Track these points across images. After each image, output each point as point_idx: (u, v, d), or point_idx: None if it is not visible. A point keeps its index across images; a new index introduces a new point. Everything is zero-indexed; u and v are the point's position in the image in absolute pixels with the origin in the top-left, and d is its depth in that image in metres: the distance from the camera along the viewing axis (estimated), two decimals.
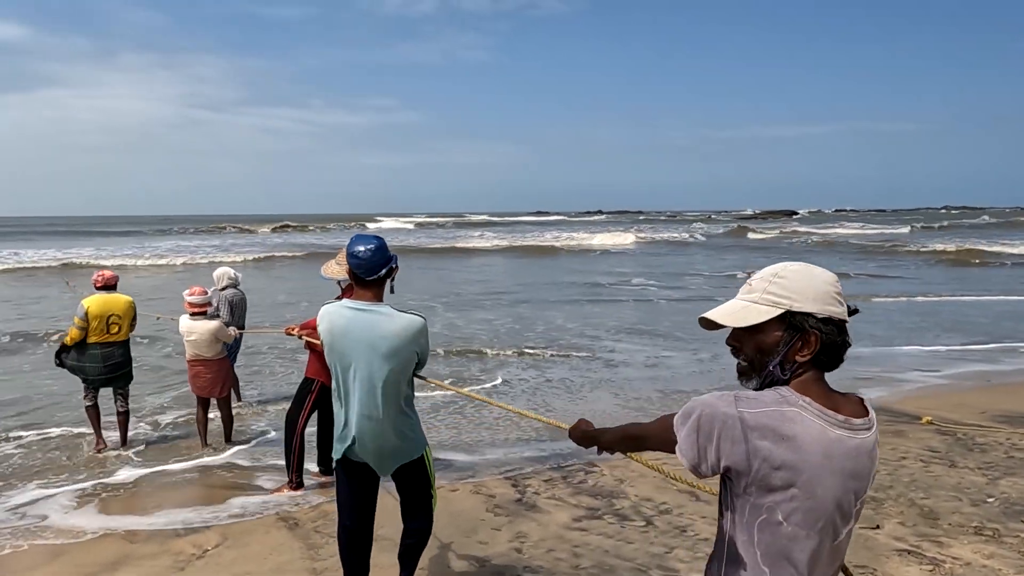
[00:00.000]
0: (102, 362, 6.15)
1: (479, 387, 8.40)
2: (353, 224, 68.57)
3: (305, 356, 6.14)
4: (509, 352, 10.39)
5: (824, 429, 1.48)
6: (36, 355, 10.31)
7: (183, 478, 5.74)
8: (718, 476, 1.59)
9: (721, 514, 1.62)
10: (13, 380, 8.92)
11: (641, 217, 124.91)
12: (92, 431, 6.33)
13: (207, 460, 6.08)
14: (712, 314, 1.60)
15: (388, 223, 70.10)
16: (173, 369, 9.26)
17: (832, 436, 1.48)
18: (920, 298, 16.43)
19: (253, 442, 6.56)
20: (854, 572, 2.05)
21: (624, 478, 5.46)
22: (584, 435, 2.12)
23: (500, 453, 6.21)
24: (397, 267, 3.12)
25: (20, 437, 6.67)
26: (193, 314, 6.09)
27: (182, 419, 7.21)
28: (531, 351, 10.50)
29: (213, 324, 6.10)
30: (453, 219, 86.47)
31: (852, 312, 1.56)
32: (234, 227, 62.21)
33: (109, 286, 6.28)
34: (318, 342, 4.98)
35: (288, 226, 62.75)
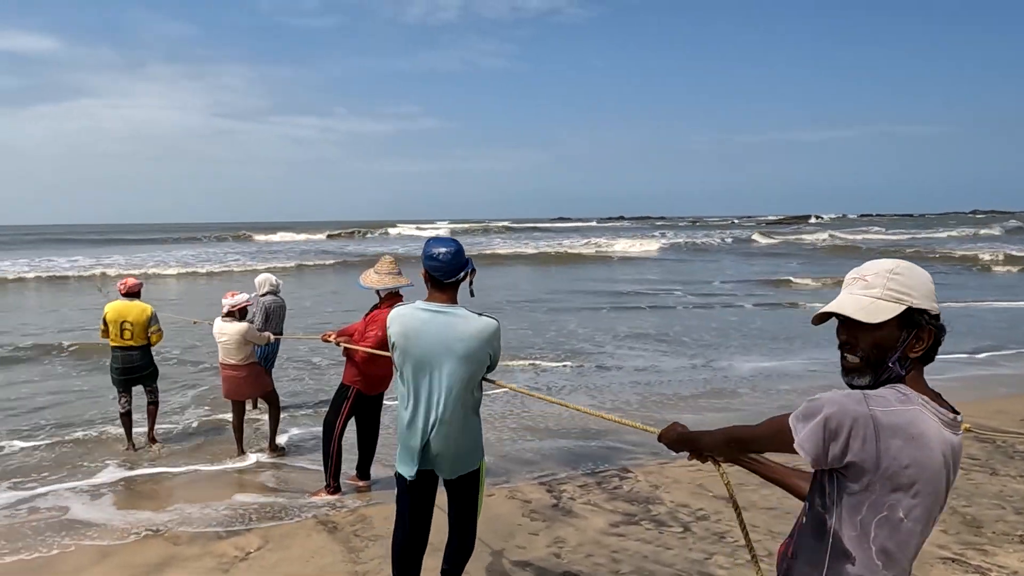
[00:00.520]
0: (121, 364, 6.50)
1: None
2: (374, 231, 68.91)
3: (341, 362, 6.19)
4: (505, 357, 10.41)
5: (939, 427, 1.52)
6: (61, 360, 10.52)
7: (219, 480, 5.83)
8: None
9: (825, 509, 1.61)
10: (44, 383, 9.12)
11: (663, 222, 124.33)
12: (124, 433, 6.62)
13: (241, 463, 6.17)
14: (842, 309, 1.60)
15: (407, 230, 70.26)
16: (212, 371, 9.42)
17: (945, 435, 1.52)
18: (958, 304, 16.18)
19: (287, 446, 6.64)
20: None
21: (659, 484, 5.45)
22: (680, 438, 2.08)
23: (530, 456, 6.24)
24: (475, 270, 3.13)
25: (56, 437, 6.83)
26: (225, 315, 6.16)
27: (220, 422, 7.33)
28: (527, 357, 10.51)
29: (241, 326, 6.12)
30: (476, 225, 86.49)
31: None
32: (252, 234, 62.64)
33: (131, 293, 6.58)
34: (357, 348, 5.03)
35: (343, 233, 63.09)
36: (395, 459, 3.21)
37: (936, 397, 1.57)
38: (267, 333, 6.54)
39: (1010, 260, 28.29)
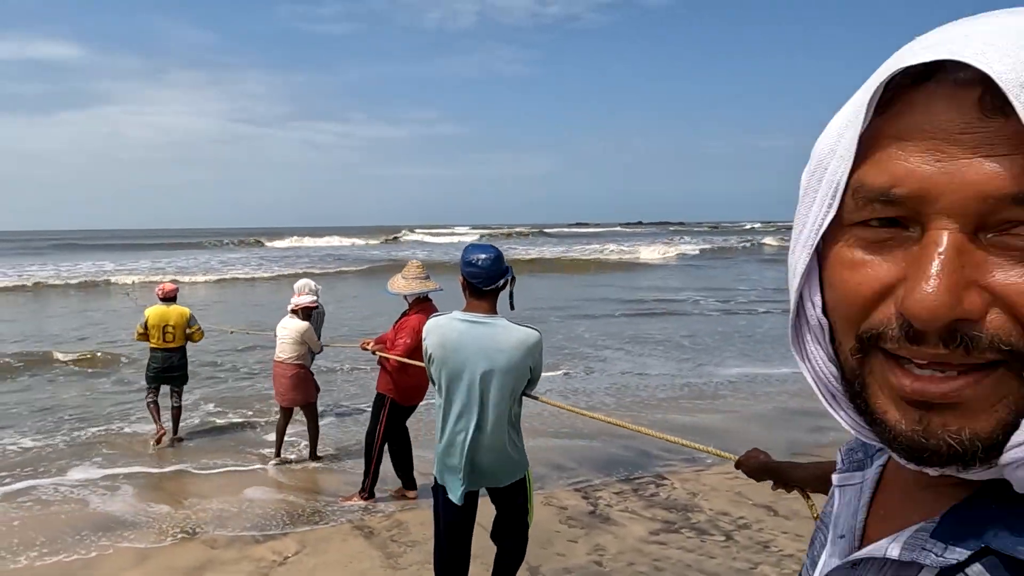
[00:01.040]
0: (160, 364, 6.84)
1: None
2: (389, 237, 69.11)
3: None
4: None
5: None
6: (101, 369, 10.63)
7: (251, 482, 5.82)
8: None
9: None
10: (73, 385, 9.21)
11: (681, 227, 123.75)
12: (153, 423, 6.88)
13: (274, 467, 6.16)
14: None
15: (420, 236, 70.30)
16: (242, 376, 9.47)
17: None
18: None
19: (321, 450, 6.62)
20: None
21: (697, 491, 5.37)
22: (763, 468, 1.86)
23: (562, 461, 6.17)
24: (515, 278, 3.00)
25: (81, 432, 6.88)
26: (291, 313, 6.21)
27: (249, 424, 7.34)
28: None
29: (301, 324, 6.11)
30: (494, 231, 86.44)
31: None
32: (264, 239, 62.83)
33: (168, 298, 6.93)
34: (389, 357, 4.97)
35: (387, 239, 63.35)
36: (433, 470, 3.08)
37: None
38: (321, 342, 6.53)
39: None
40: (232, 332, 9.01)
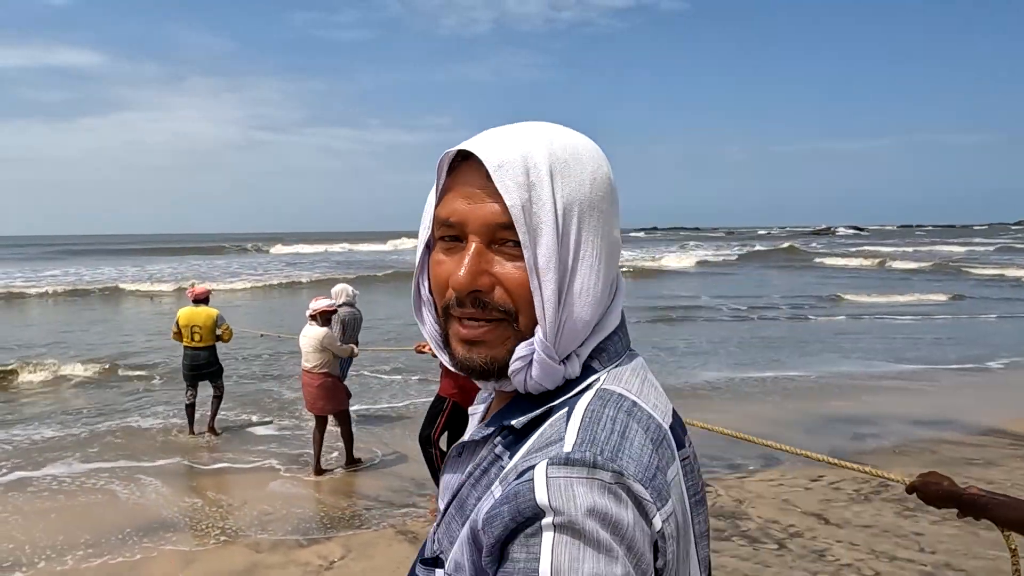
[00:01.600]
0: (190, 361, 7.18)
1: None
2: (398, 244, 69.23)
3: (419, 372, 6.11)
4: None
5: None
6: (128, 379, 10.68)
7: (290, 483, 5.80)
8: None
9: None
10: (105, 389, 9.25)
11: (697, 233, 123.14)
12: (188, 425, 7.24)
13: (309, 471, 6.12)
14: None
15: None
16: (275, 380, 9.47)
17: None
18: None
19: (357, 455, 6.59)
20: None
21: (742, 498, 5.27)
22: (947, 496, 1.60)
23: None
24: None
25: (119, 425, 6.90)
26: (310, 319, 6.08)
27: (283, 426, 7.33)
28: None
29: (319, 331, 5.95)
30: None
31: None
32: (267, 245, 62.94)
33: (199, 300, 7.25)
34: None
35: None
36: None
37: None
38: (350, 346, 6.36)
39: None
40: (262, 336, 9.01)
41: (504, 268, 0.71)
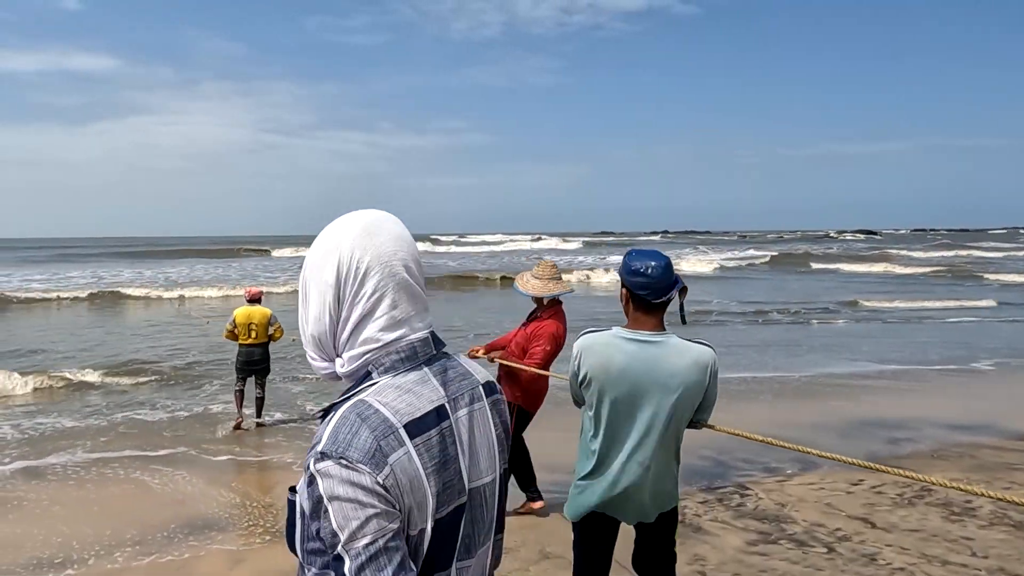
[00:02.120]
0: (245, 358, 7.62)
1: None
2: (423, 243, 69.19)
3: None
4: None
5: None
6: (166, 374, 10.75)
7: None
8: None
9: None
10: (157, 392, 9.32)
11: (710, 237, 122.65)
12: (236, 411, 7.65)
13: None
14: None
15: (448, 247, 70.23)
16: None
17: None
18: None
19: None
20: None
21: (784, 502, 5.25)
22: None
23: None
24: (686, 287, 2.58)
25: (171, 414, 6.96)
26: None
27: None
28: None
29: None
30: (530, 240, 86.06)
31: None
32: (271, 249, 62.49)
33: (254, 300, 7.67)
34: (518, 366, 4.59)
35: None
36: (575, 498, 2.73)
37: None
38: None
39: None
40: (294, 340, 9.06)
41: None
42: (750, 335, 14.10)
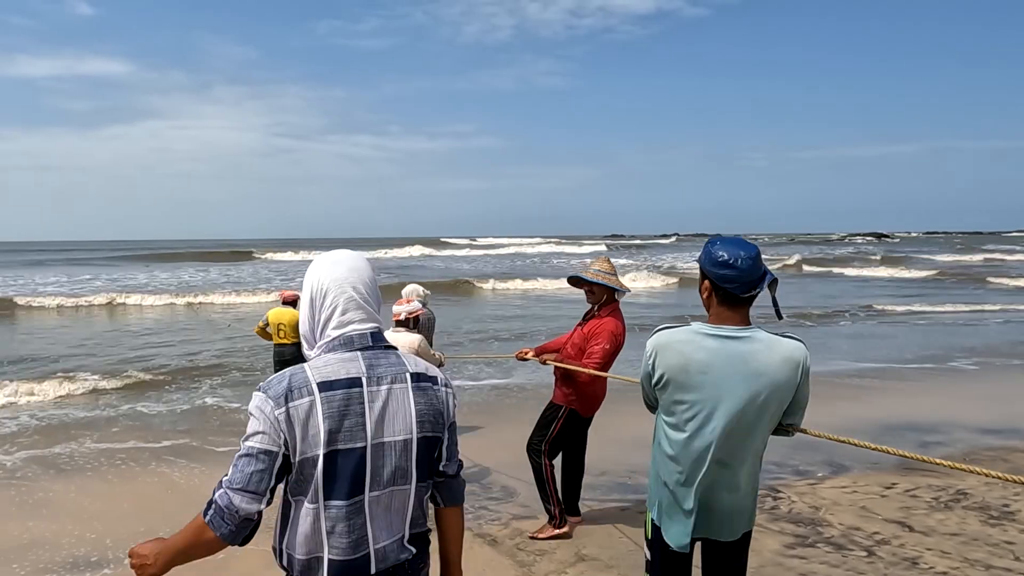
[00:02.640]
0: (277, 356, 8.02)
1: None
2: (431, 248, 69.19)
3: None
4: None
5: None
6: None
7: None
8: None
9: None
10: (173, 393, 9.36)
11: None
12: None
13: None
14: None
15: (457, 250, 70.15)
16: None
17: None
18: None
19: None
20: None
21: (818, 505, 5.20)
22: None
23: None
24: (776, 280, 2.34)
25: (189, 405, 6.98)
26: (396, 324, 5.47)
27: None
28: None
29: (415, 337, 5.30)
30: (539, 243, 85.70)
31: None
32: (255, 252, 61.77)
33: (288, 302, 8.14)
34: (574, 367, 4.36)
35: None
36: (653, 519, 2.47)
37: None
38: (439, 354, 5.72)
39: None
40: None
41: None
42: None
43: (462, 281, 28.86)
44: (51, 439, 7.28)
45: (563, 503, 4.75)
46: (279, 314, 7.96)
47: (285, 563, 1.68)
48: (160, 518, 5.11)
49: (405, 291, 6.67)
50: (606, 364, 4.35)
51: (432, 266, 41.79)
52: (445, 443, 1.81)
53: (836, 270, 38.61)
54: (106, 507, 5.42)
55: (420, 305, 5.63)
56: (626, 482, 5.87)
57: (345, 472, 1.60)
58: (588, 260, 4.71)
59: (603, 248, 76.68)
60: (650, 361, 2.37)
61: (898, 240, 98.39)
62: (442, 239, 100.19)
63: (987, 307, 19.51)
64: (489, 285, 27.75)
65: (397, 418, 1.67)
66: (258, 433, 1.58)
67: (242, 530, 1.62)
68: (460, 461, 1.92)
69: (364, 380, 1.65)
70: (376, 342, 1.71)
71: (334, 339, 1.68)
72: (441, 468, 1.83)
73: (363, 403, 1.63)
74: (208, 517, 1.62)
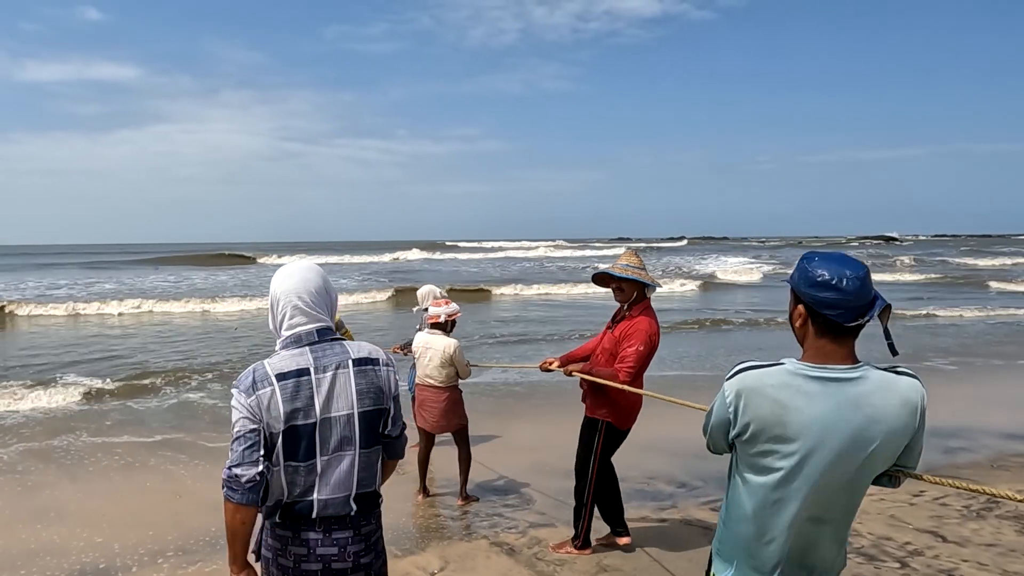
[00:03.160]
0: None
1: None
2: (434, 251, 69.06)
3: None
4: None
5: None
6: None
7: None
8: None
9: None
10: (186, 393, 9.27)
11: (727, 243, 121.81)
12: None
13: (422, 498, 5.62)
14: None
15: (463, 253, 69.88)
16: None
17: None
18: None
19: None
20: None
21: None
22: None
23: (684, 479, 5.88)
24: (889, 306, 1.88)
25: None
26: (432, 327, 5.29)
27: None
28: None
29: (451, 341, 5.15)
30: (545, 245, 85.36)
31: None
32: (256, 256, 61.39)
33: None
34: (601, 381, 4.00)
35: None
36: (717, 558, 2.09)
37: None
38: (468, 363, 5.40)
39: None
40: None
41: None
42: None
43: (473, 289, 28.67)
44: (51, 438, 7.18)
45: (611, 522, 4.45)
46: None
47: (261, 510, 2.09)
48: (168, 526, 4.99)
49: (420, 292, 6.51)
50: (641, 368, 4.00)
51: (438, 270, 41.66)
52: (391, 413, 2.19)
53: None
54: (115, 507, 5.29)
55: (457, 307, 5.44)
56: (644, 488, 5.72)
57: (301, 441, 2.02)
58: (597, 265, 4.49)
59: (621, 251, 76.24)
60: (731, 408, 1.91)
61: (908, 243, 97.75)
62: (447, 242, 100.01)
63: (992, 311, 19.24)
64: (500, 291, 27.38)
65: (340, 398, 2.06)
66: (241, 418, 2.00)
67: (252, 492, 1.97)
68: (404, 423, 2.29)
69: (312, 369, 2.04)
70: (322, 337, 2.11)
71: (287, 337, 2.09)
72: (386, 433, 2.20)
73: (311, 388, 2.03)
74: (224, 495, 2.00)
